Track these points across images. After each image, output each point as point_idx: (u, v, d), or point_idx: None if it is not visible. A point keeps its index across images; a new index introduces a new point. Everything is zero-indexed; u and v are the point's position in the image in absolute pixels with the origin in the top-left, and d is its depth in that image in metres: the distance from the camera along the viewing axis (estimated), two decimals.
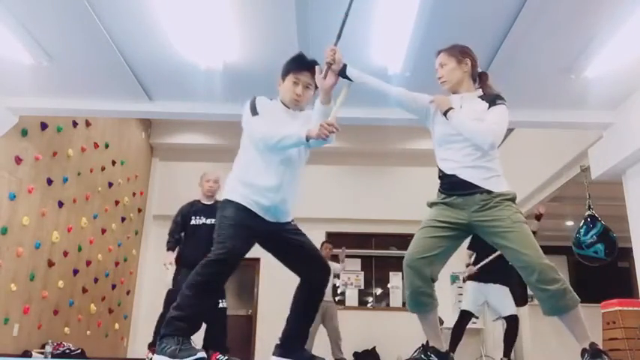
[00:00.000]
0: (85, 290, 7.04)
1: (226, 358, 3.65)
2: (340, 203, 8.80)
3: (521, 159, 7.11)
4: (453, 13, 3.77)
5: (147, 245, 9.00)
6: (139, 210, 8.95)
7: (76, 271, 6.83)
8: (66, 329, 6.60)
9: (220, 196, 2.60)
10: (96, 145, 7.30)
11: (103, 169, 7.53)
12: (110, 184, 7.75)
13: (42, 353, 5.81)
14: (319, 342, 5.92)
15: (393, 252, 9.21)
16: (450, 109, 2.41)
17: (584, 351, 2.24)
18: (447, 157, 2.47)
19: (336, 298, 8.53)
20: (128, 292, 8.52)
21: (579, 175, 6.06)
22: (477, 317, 5.34)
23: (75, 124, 6.74)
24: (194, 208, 4.41)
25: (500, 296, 5.08)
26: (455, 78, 2.52)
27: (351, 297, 9.14)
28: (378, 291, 9.37)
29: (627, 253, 5.31)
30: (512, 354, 5.89)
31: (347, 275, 8.99)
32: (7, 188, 5.49)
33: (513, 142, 7.41)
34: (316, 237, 2.67)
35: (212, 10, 3.76)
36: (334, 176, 8.98)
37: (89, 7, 3.77)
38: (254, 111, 2.43)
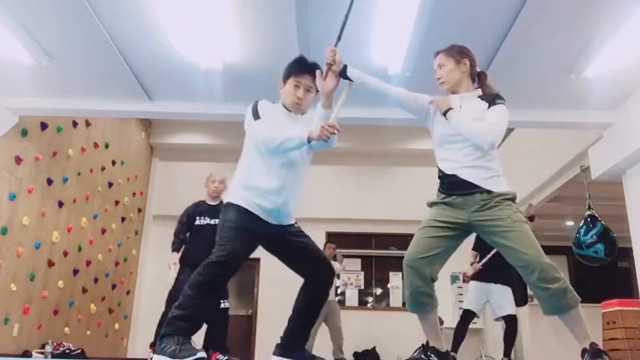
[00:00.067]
0: (85, 290, 7.04)
1: (226, 358, 3.65)
2: (340, 203, 8.79)
3: (521, 159, 7.11)
4: (453, 13, 3.77)
5: (147, 245, 9.01)
6: (139, 210, 8.95)
7: (76, 271, 6.83)
8: (66, 329, 6.61)
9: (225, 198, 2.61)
10: (96, 145, 7.30)
11: (103, 169, 7.53)
12: (110, 184, 7.76)
13: (42, 353, 5.81)
14: (320, 342, 5.91)
15: (393, 252, 9.21)
16: (450, 109, 2.41)
17: (584, 351, 2.24)
18: (446, 157, 2.47)
19: (337, 298, 8.51)
20: (128, 292, 8.52)
21: (579, 175, 6.06)
22: (477, 317, 5.34)
23: (75, 124, 6.74)
24: (199, 208, 4.43)
25: (501, 296, 5.08)
26: (454, 78, 2.52)
27: (351, 297, 9.14)
28: (378, 291, 9.37)
29: (627, 253, 5.31)
30: (513, 354, 5.88)
31: (347, 275, 9.00)
32: (7, 188, 5.49)
33: (513, 142, 7.41)
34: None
35: (212, 11, 3.76)
36: (334, 176, 8.97)
37: (89, 7, 3.77)
38: (256, 115, 2.43)
